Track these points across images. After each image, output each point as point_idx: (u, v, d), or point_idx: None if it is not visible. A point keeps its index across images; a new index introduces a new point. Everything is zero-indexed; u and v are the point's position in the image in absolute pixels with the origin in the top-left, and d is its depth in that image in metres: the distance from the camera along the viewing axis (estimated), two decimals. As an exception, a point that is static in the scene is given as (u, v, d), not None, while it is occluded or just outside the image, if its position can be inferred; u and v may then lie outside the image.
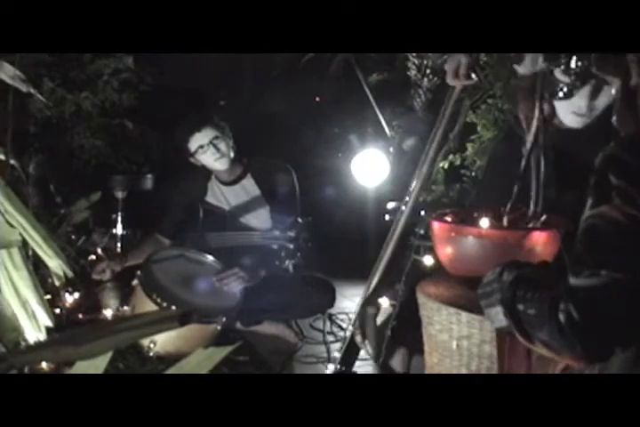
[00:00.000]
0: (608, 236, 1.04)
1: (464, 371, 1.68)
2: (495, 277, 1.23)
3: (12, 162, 1.92)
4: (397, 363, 2.22)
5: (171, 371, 0.84)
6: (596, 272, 1.01)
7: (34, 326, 1.70)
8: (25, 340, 1.71)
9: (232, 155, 2.79)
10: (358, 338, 2.09)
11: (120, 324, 0.75)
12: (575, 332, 1.01)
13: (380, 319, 2.25)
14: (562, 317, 1.02)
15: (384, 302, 2.53)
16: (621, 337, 1.03)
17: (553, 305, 1.04)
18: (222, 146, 2.74)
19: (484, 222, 1.73)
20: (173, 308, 2.32)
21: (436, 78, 3.45)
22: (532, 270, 1.23)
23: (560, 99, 1.81)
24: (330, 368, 2.24)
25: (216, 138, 2.72)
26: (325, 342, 2.72)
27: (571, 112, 1.85)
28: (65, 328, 2.26)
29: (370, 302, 2.10)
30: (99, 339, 0.73)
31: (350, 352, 2.13)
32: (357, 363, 2.22)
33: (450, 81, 1.97)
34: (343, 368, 2.11)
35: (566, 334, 1.02)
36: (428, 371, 1.84)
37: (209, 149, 2.72)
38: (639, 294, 1.00)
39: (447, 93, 2.05)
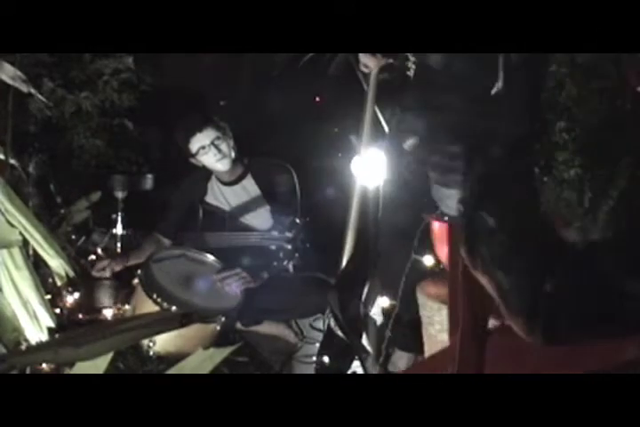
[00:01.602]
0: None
1: (464, 371, 1.68)
2: (462, 151, 1.06)
3: (13, 162, 1.92)
4: (403, 363, 2.22)
5: (171, 371, 0.85)
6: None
7: (35, 326, 1.70)
8: (26, 340, 1.71)
9: (233, 155, 2.79)
10: (332, 322, 2.10)
11: (120, 325, 0.75)
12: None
13: (379, 319, 2.25)
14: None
15: (384, 301, 2.53)
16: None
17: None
18: (223, 146, 2.73)
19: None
20: (174, 308, 2.32)
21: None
22: (504, 178, 1.04)
23: None
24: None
25: (217, 138, 2.72)
26: (325, 342, 2.71)
27: None
28: (65, 328, 2.27)
29: (341, 285, 2.12)
30: (99, 340, 0.73)
31: (329, 340, 2.14)
32: (357, 363, 2.22)
33: (364, 59, 2.00)
34: (321, 357, 2.11)
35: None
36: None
37: (210, 150, 2.72)
38: None
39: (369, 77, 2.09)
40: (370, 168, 2.25)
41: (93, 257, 3.08)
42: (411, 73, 3.72)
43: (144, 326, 0.76)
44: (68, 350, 0.73)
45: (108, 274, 2.76)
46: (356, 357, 2.19)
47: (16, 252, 1.64)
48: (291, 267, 2.78)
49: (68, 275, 1.85)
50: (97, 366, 0.82)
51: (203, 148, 2.72)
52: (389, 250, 2.14)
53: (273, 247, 2.71)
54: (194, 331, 2.36)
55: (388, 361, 2.21)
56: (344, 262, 2.15)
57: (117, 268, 2.79)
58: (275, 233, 2.64)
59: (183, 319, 0.73)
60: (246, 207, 2.86)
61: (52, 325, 1.75)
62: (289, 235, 2.58)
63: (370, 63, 2.05)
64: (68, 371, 0.83)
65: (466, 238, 0.97)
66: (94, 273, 2.76)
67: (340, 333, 2.11)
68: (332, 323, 2.11)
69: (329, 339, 2.16)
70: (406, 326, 2.10)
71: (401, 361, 2.24)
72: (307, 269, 2.81)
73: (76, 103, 3.48)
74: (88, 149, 3.60)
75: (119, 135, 3.70)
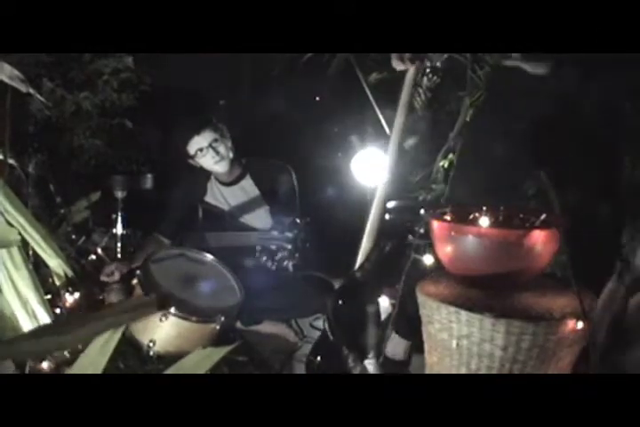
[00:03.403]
0: None
1: (464, 370, 1.68)
2: None
3: (12, 162, 1.92)
4: (400, 352, 2.21)
5: (170, 370, 0.85)
6: None
7: (34, 325, 1.70)
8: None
9: (231, 156, 2.79)
10: (326, 324, 2.10)
11: (100, 311, 0.76)
12: None
13: (379, 319, 2.25)
14: None
15: (383, 301, 2.53)
16: None
17: None
18: (221, 148, 2.74)
19: (484, 221, 1.73)
20: (173, 308, 2.31)
21: (435, 78, 3.45)
22: None
23: None
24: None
25: (215, 141, 2.73)
26: (325, 342, 2.71)
27: None
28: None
29: (344, 290, 2.12)
30: (80, 327, 0.73)
31: (323, 341, 2.14)
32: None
33: (395, 64, 2.01)
34: (312, 358, 2.11)
35: None
36: (427, 370, 1.84)
37: (208, 153, 2.72)
38: None
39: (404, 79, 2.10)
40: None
41: (93, 257, 3.08)
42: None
43: (123, 311, 0.77)
44: (51, 338, 0.73)
45: (116, 277, 2.75)
46: (342, 360, 2.19)
47: (15, 252, 1.64)
48: (291, 266, 2.78)
49: (67, 275, 1.85)
50: (96, 365, 0.82)
51: (200, 150, 2.72)
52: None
53: (273, 247, 2.72)
54: (194, 331, 2.36)
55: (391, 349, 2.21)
56: (356, 267, 2.15)
57: (124, 270, 2.79)
58: (275, 233, 2.64)
59: (160, 304, 0.74)
60: (246, 207, 2.87)
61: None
62: (289, 235, 2.58)
63: (400, 67, 2.06)
64: (67, 371, 0.83)
65: None
66: (103, 278, 2.75)
67: (330, 335, 2.11)
68: (326, 325, 2.11)
69: (323, 340, 2.16)
70: (406, 325, 2.10)
71: (399, 347, 2.24)
72: (307, 269, 2.82)
73: (75, 103, 3.48)
74: (88, 148, 3.60)
75: (119, 135, 3.70)
